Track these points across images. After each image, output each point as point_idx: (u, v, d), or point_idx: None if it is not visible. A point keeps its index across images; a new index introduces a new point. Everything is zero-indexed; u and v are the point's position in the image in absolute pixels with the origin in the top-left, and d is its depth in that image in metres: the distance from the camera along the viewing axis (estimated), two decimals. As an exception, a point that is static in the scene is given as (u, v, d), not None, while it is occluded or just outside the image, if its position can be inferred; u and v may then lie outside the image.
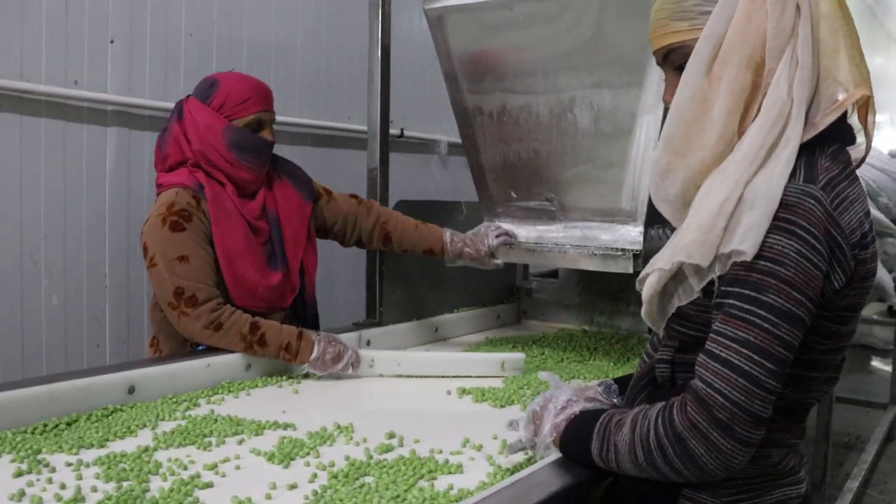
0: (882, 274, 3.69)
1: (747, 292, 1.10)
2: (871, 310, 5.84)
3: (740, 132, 1.18)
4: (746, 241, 1.09)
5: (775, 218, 1.09)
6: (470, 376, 2.21)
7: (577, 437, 1.31)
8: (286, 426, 1.73)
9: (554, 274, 3.27)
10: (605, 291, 3.05)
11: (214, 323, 2.05)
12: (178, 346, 2.21)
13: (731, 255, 1.11)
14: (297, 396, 2.01)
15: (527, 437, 1.41)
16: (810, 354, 1.19)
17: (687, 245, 1.15)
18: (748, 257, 1.09)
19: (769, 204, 1.10)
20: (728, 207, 1.12)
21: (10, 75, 2.48)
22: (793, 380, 1.20)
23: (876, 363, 6.35)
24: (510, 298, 3.28)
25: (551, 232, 2.45)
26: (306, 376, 2.14)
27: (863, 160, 1.28)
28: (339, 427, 1.72)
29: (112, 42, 2.76)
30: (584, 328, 3.02)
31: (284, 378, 2.13)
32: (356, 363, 2.16)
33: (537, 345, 2.68)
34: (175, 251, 2.05)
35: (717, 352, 1.11)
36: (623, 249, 2.28)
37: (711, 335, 1.13)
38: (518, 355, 2.31)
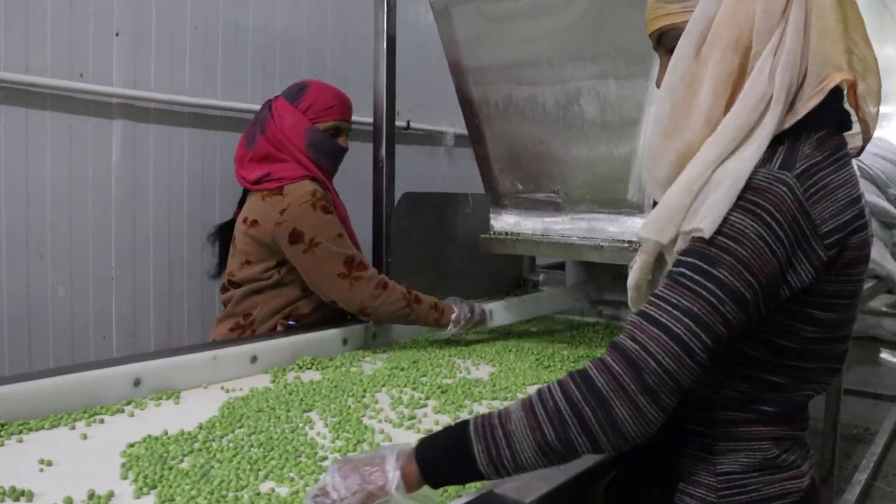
0: (890, 265, 3.67)
1: (700, 263, 1.07)
2: (879, 301, 5.82)
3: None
4: (706, 219, 1.07)
5: (743, 199, 1.08)
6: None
7: (444, 455, 1.12)
8: (21, 495, 1.25)
9: (561, 265, 3.26)
10: (613, 283, 3.04)
11: (383, 282, 2.28)
12: (272, 324, 2.38)
13: (690, 232, 1.10)
14: (83, 444, 1.53)
15: (353, 485, 1.11)
16: (800, 343, 1.16)
17: (650, 222, 1.14)
18: (706, 234, 1.07)
19: (734, 185, 1.08)
20: (695, 187, 1.11)
21: (16, 68, 2.48)
22: (788, 370, 1.18)
23: (885, 355, 6.33)
24: (517, 290, 3.27)
25: (557, 224, 2.44)
26: (137, 405, 1.77)
27: (861, 150, 1.26)
28: (92, 497, 1.26)
29: (117, 35, 2.76)
30: (590, 320, 3.02)
31: (92, 409, 1.72)
32: (486, 318, 2.47)
33: (543, 337, 2.68)
34: (334, 230, 2.29)
35: (657, 316, 1.06)
36: (629, 241, 2.27)
37: (652, 298, 1.09)
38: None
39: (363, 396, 1.88)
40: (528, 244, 2.49)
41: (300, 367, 2.15)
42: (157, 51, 2.90)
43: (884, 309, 5.86)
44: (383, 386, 1.97)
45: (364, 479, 1.10)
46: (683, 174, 1.14)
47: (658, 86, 1.27)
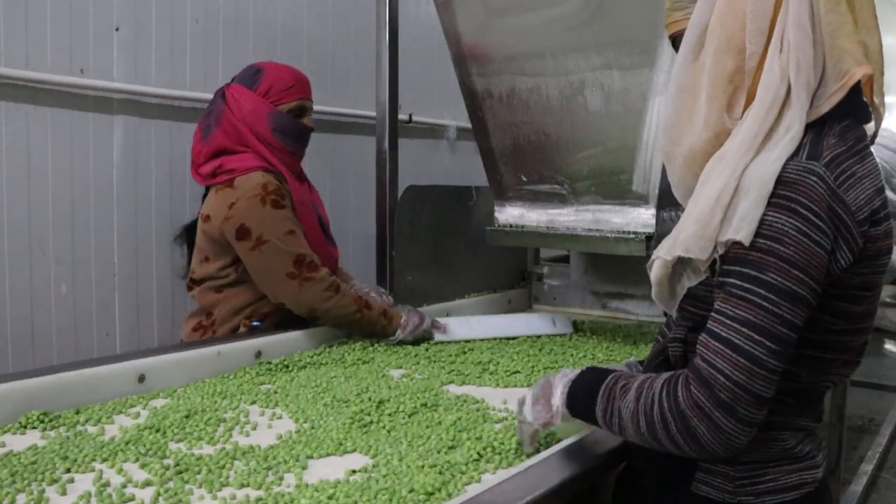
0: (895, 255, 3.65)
1: (747, 271, 1.08)
2: (884, 292, 5.78)
3: (732, 118, 1.17)
4: (742, 230, 1.08)
5: (775, 195, 1.08)
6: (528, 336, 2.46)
7: (583, 395, 1.30)
8: None
9: (565, 258, 3.25)
10: (618, 275, 3.03)
11: (334, 286, 2.21)
12: (234, 324, 2.28)
13: (727, 243, 1.10)
14: None
15: (536, 416, 1.37)
16: (824, 335, 1.17)
17: (685, 239, 1.14)
18: (745, 243, 1.08)
19: (762, 189, 1.08)
20: (725, 199, 1.11)
21: (16, 64, 2.47)
22: (809, 361, 1.18)
23: (889, 346, 6.32)
24: (521, 283, 3.26)
25: (562, 216, 2.43)
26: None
27: (873, 139, 1.26)
28: None
29: (117, 29, 2.74)
30: (596, 313, 3.01)
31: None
32: (439, 326, 2.39)
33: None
34: (284, 226, 2.19)
35: (718, 331, 1.09)
36: (635, 232, 2.26)
37: (713, 314, 1.12)
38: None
39: (55, 482, 1.29)
40: (533, 236, 2.48)
41: (22, 426, 1.55)
42: (158, 45, 2.89)
43: (888, 300, 5.83)
44: (105, 460, 1.39)
45: (543, 403, 1.36)
46: (710, 184, 1.14)
47: None
